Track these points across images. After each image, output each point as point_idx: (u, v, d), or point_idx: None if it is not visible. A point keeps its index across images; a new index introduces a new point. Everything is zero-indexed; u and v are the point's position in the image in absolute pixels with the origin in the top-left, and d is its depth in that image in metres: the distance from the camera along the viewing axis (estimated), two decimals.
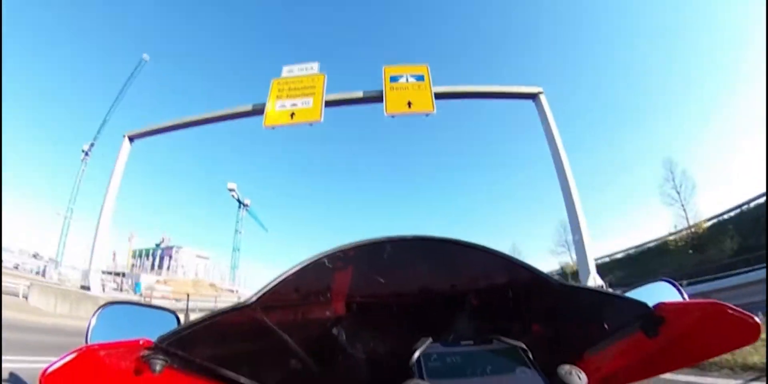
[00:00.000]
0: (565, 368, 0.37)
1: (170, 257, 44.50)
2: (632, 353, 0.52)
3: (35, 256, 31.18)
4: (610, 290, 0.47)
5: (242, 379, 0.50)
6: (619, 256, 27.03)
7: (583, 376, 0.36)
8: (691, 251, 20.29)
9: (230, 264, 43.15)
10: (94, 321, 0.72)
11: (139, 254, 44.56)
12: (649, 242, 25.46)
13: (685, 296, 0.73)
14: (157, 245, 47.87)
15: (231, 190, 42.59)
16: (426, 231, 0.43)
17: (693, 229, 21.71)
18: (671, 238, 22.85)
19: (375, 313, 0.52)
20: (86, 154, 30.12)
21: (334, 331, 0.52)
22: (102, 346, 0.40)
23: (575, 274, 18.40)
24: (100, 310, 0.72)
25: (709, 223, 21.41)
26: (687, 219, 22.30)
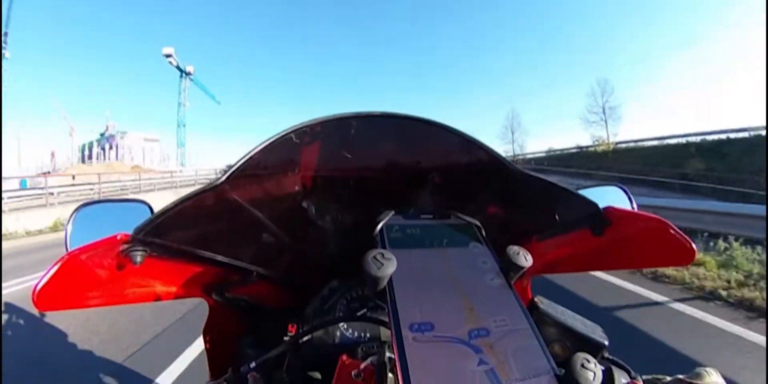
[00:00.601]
0: (513, 248, 0.40)
1: (116, 145, 41.95)
2: (576, 246, 0.58)
3: None
4: (565, 185, 0.50)
5: (219, 258, 0.53)
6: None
7: (529, 257, 0.40)
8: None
9: (176, 142, 40.13)
10: (70, 227, 0.71)
11: (86, 148, 42.09)
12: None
13: (635, 205, 0.79)
14: (102, 135, 45.03)
15: (168, 56, 37.63)
16: (408, 110, 0.42)
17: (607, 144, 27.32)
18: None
19: (342, 187, 0.54)
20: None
21: (304, 204, 0.54)
22: (82, 250, 0.40)
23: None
24: (73, 215, 0.71)
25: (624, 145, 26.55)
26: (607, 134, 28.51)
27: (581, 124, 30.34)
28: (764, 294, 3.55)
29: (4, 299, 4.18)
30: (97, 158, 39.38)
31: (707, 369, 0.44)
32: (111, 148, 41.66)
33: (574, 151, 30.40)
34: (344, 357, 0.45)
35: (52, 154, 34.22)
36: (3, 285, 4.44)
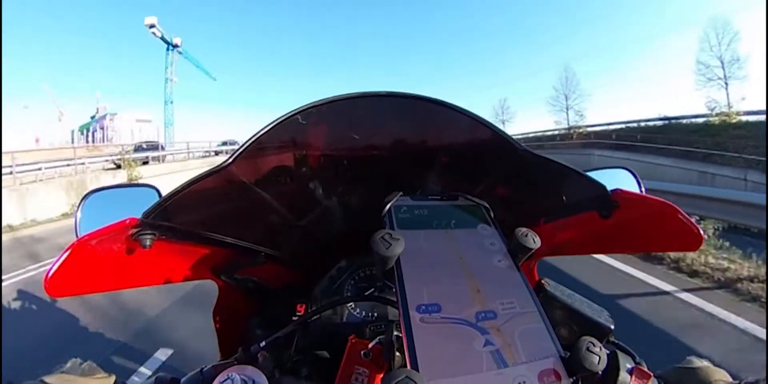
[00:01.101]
0: (521, 230, 0.40)
1: (105, 127, 40.57)
2: (584, 229, 0.58)
3: None
4: (573, 166, 0.49)
5: (227, 239, 0.54)
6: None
7: (537, 239, 0.40)
8: None
9: (164, 121, 36.44)
10: (79, 214, 0.72)
11: (84, 131, 41.31)
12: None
13: (643, 189, 0.79)
14: (93, 117, 43.67)
15: (151, 26, 32.85)
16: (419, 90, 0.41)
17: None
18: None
19: (349, 168, 0.54)
20: None
21: (311, 185, 0.54)
22: (91, 236, 0.41)
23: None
24: (82, 202, 0.72)
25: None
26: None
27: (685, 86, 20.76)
28: None
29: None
30: (88, 141, 38.10)
31: (700, 359, 0.45)
32: (103, 129, 40.40)
33: (658, 123, 21.26)
34: (353, 337, 0.46)
35: (36, 141, 33.29)
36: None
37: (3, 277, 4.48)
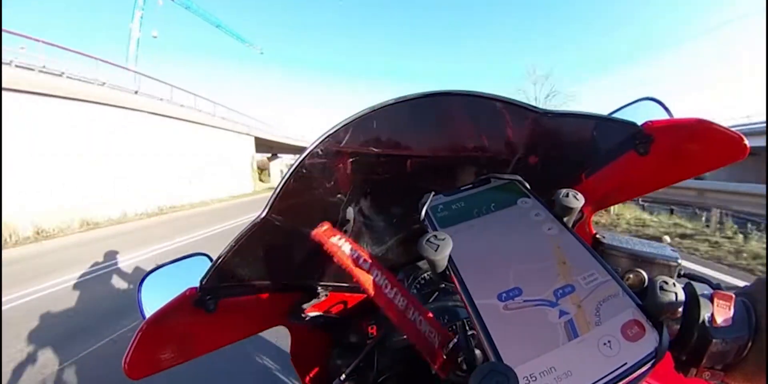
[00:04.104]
0: (561, 192, 0.38)
1: None
2: (626, 172, 0.55)
3: None
4: (597, 113, 0.47)
5: (285, 283, 0.55)
6: None
7: (580, 196, 0.38)
8: None
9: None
10: (141, 296, 0.77)
11: None
12: None
13: (672, 114, 0.74)
14: None
15: None
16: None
17: None
18: None
19: (379, 186, 0.54)
20: None
21: (348, 211, 0.54)
22: (158, 314, 0.43)
23: None
24: (141, 285, 0.76)
25: None
26: None
27: None
28: None
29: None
30: None
31: None
32: None
33: None
34: None
35: None
36: None
37: None
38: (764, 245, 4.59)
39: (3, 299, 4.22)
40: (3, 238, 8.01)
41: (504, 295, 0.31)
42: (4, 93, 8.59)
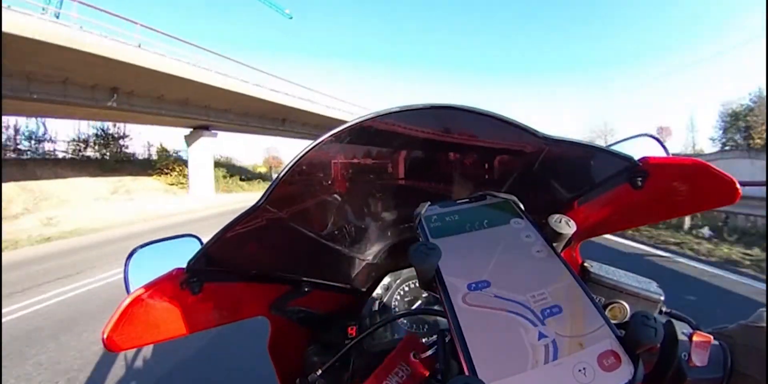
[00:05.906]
0: (555, 217, 0.39)
1: None
2: (619, 204, 0.56)
3: None
4: (596, 143, 0.49)
5: (271, 274, 0.56)
6: None
7: (572, 223, 0.39)
8: None
9: None
10: (128, 270, 0.77)
11: None
12: None
13: (669, 152, 0.76)
14: None
15: None
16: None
17: None
18: None
19: (376, 188, 0.55)
20: None
21: (344, 210, 0.55)
22: (142, 291, 0.43)
23: None
24: (129, 260, 0.76)
25: None
26: None
27: None
28: None
29: None
30: None
31: None
32: None
33: None
34: (409, 334, 0.46)
35: None
36: None
37: None
38: None
39: None
40: None
41: (473, 285, 0.32)
42: None
